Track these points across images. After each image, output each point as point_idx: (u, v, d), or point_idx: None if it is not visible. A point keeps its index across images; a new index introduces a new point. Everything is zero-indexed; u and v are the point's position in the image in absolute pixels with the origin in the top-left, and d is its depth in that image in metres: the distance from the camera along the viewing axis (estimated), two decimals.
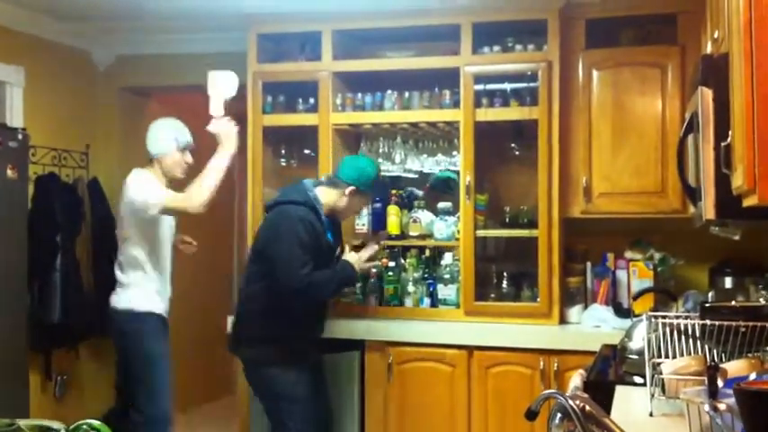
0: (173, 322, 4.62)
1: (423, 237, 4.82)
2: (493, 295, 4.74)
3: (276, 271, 4.00)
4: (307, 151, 5.16)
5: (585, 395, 1.85)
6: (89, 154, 5.73)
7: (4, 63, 5.07)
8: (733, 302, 3.09)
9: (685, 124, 3.12)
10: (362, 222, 4.83)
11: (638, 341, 3.13)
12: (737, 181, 2.25)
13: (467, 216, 4.62)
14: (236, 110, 4.40)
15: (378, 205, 4.82)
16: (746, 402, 1.82)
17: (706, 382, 2.03)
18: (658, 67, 4.48)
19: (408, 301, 4.80)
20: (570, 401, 1.77)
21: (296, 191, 4.15)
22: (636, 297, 3.93)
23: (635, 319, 3.40)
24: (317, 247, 4.04)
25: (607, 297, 4.65)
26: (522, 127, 4.76)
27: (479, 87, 4.66)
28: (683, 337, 2.67)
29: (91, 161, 5.73)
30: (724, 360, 2.53)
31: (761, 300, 3.68)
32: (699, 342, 2.65)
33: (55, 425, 2.18)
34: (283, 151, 5.18)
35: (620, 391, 2.89)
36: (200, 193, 4.20)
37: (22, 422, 2.18)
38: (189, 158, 4.49)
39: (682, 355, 2.62)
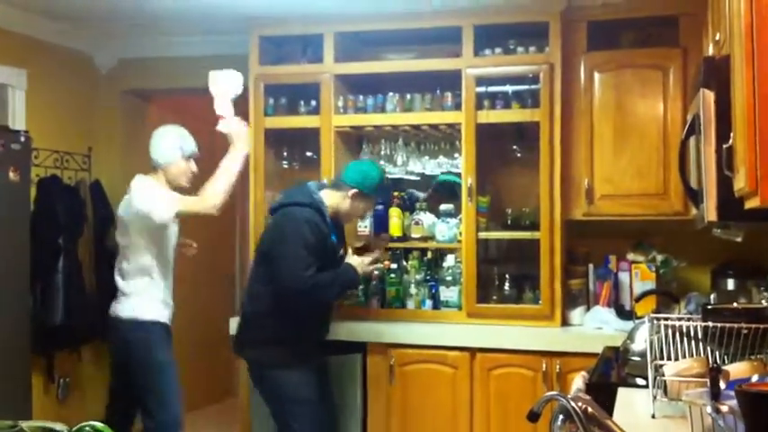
0: (174, 324, 4.62)
1: (425, 239, 4.82)
2: (495, 297, 4.74)
3: (279, 272, 4.00)
4: (308, 153, 5.17)
5: (588, 397, 1.85)
6: (91, 156, 5.74)
7: (7, 66, 5.08)
8: (735, 304, 3.09)
9: (687, 126, 3.12)
10: (365, 225, 4.82)
11: (641, 343, 3.13)
12: (739, 183, 2.25)
13: (469, 218, 4.63)
14: (238, 112, 4.39)
15: (380, 208, 4.82)
16: (748, 404, 1.82)
17: (708, 383, 2.04)
18: (660, 70, 4.48)
19: (410, 303, 4.81)
20: (572, 403, 1.77)
21: (301, 193, 4.16)
22: (638, 299, 3.94)
23: (637, 321, 3.40)
24: (321, 248, 4.04)
25: (609, 299, 4.65)
26: (523, 129, 4.76)
27: (481, 89, 4.66)
28: (685, 339, 2.67)
29: (93, 163, 5.74)
30: (726, 362, 2.53)
31: (763, 302, 3.68)
32: (701, 344, 2.65)
33: (57, 426, 2.19)
34: (285, 153, 5.19)
35: (623, 393, 2.89)
36: (213, 195, 4.15)
37: (24, 424, 2.18)
38: (194, 167, 4.40)
39: (684, 356, 2.63)
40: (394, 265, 4.87)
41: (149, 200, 4.21)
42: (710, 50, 3.42)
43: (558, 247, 4.53)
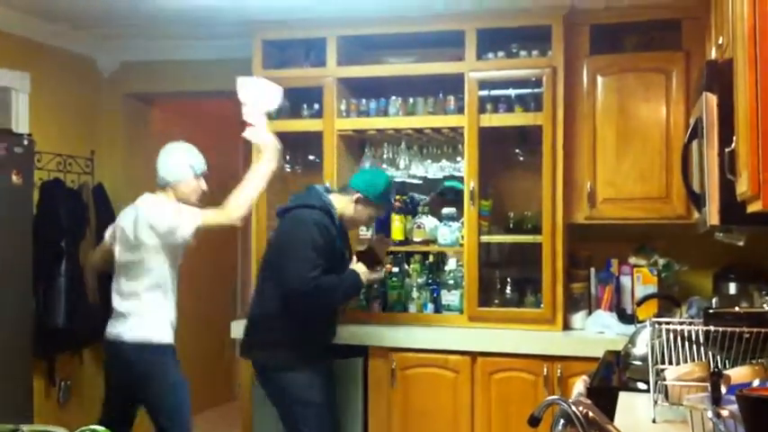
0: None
1: (426, 242, 4.82)
2: (496, 301, 4.74)
3: (285, 272, 4.00)
4: (311, 157, 5.17)
5: (589, 401, 1.85)
6: (94, 160, 5.75)
7: (10, 69, 5.09)
8: (737, 308, 3.09)
9: (690, 130, 3.12)
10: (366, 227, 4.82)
11: (642, 347, 3.13)
12: (742, 187, 2.25)
13: (471, 222, 4.62)
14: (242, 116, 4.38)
15: None
16: (749, 409, 1.82)
17: (709, 388, 2.03)
18: (663, 73, 4.49)
19: (412, 307, 4.81)
20: (573, 408, 1.77)
21: (310, 195, 4.17)
22: (640, 303, 3.94)
23: (639, 326, 3.40)
24: (329, 250, 4.04)
25: (611, 303, 4.64)
26: (526, 132, 4.77)
27: (484, 93, 4.66)
28: (686, 344, 2.67)
29: (96, 167, 5.75)
30: (727, 366, 2.52)
31: (765, 306, 3.67)
32: (702, 348, 2.65)
33: (58, 431, 2.19)
34: (288, 157, 5.17)
35: (624, 398, 2.89)
36: (237, 207, 4.06)
37: (25, 428, 2.19)
38: (204, 185, 4.28)
39: (685, 361, 2.62)
40: (395, 269, 4.87)
41: (172, 216, 4.09)
42: (713, 54, 3.43)
43: (560, 250, 4.53)
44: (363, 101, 4.86)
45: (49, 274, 5.11)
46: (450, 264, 4.80)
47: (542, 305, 4.56)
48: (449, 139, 4.86)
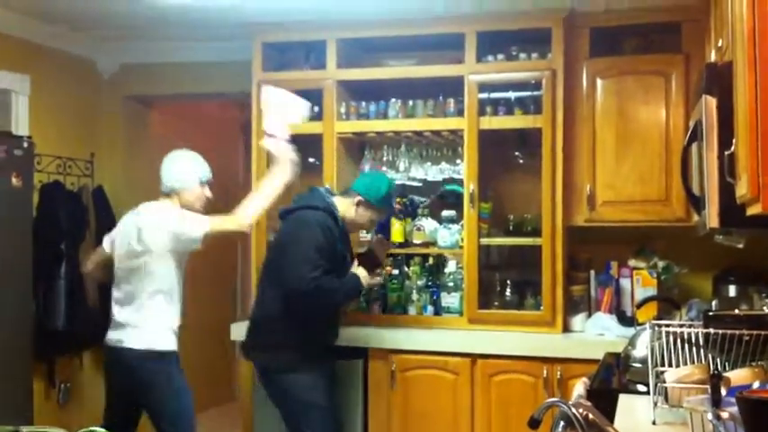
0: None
1: (426, 245, 4.82)
2: (496, 303, 4.74)
3: (286, 272, 3.99)
4: (311, 159, 5.16)
5: (589, 403, 1.85)
6: (94, 162, 5.75)
7: (10, 71, 5.10)
8: (736, 311, 3.09)
9: (689, 133, 3.12)
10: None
11: (642, 349, 3.13)
12: (741, 189, 2.25)
13: (470, 224, 4.63)
14: (242, 118, 4.39)
15: None
16: (749, 411, 1.82)
17: (709, 390, 2.03)
18: (662, 76, 4.49)
19: (412, 309, 4.81)
20: (573, 410, 1.77)
21: (313, 197, 4.18)
22: (639, 305, 3.93)
23: (638, 328, 3.40)
24: (331, 252, 4.05)
25: (611, 305, 4.64)
26: (525, 135, 4.77)
27: (483, 96, 4.66)
28: (686, 346, 2.67)
29: (95, 169, 5.76)
30: (727, 368, 2.53)
31: (765, 308, 3.67)
32: (702, 350, 2.65)
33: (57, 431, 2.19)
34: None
35: (624, 400, 2.89)
36: (247, 215, 4.06)
37: (25, 429, 2.19)
38: (209, 193, 4.27)
39: (685, 363, 2.62)
40: (395, 271, 4.88)
41: (181, 222, 4.07)
42: (713, 57, 3.43)
43: (560, 253, 4.54)
44: (363, 103, 4.87)
45: (48, 276, 5.12)
46: (450, 266, 4.80)
47: (542, 307, 4.56)
48: (448, 141, 4.87)
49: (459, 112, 4.68)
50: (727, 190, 2.48)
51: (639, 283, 4.59)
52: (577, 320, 4.65)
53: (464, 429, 4.47)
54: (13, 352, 4.59)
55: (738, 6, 2.34)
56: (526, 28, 4.61)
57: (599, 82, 4.57)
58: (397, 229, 4.83)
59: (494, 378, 4.45)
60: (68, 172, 5.51)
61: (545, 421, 1.94)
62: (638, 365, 3.15)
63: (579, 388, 3.13)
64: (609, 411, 2.61)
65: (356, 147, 5.09)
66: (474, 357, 4.47)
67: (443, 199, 4.94)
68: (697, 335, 2.65)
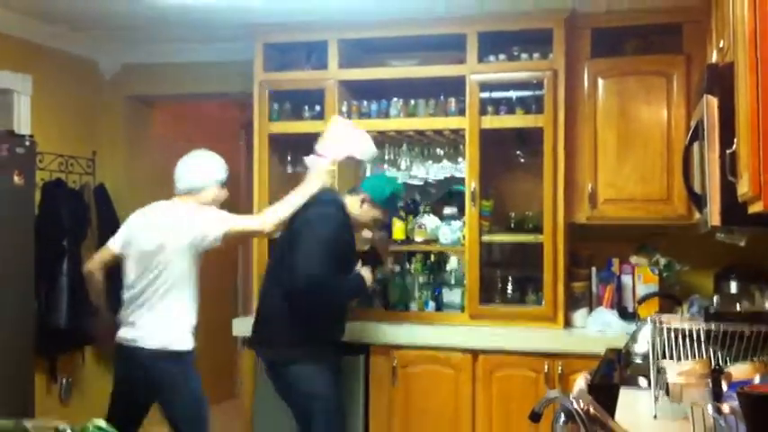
0: None
1: (428, 242, 4.84)
2: (498, 299, 4.76)
3: (295, 267, 3.98)
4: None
5: (589, 397, 1.87)
6: (95, 160, 5.77)
7: (12, 71, 5.11)
8: (737, 307, 3.11)
9: (691, 132, 3.14)
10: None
11: (643, 344, 3.14)
12: (743, 188, 2.27)
13: (472, 221, 4.64)
14: (243, 117, 4.39)
15: None
16: (750, 406, 1.84)
17: (710, 385, 2.05)
18: (663, 76, 4.51)
19: (413, 305, 4.83)
20: (574, 404, 1.78)
21: (324, 194, 4.19)
22: (641, 301, 3.95)
23: (640, 323, 3.42)
24: (342, 247, 4.09)
25: (612, 302, 4.66)
26: (526, 134, 4.79)
27: (485, 95, 4.68)
28: (687, 341, 2.69)
29: (97, 168, 5.77)
30: (728, 364, 2.55)
31: (766, 305, 3.70)
32: (703, 346, 2.67)
33: (61, 425, 2.21)
34: (289, 158, 5.20)
35: (625, 394, 2.90)
36: (273, 217, 4.12)
37: (27, 423, 2.21)
38: (226, 193, 4.26)
39: (686, 358, 2.64)
40: (397, 268, 4.90)
41: (203, 221, 4.04)
42: (714, 57, 3.45)
43: (562, 249, 4.55)
44: (365, 103, 4.88)
45: (50, 273, 5.13)
46: (452, 263, 4.83)
47: (543, 303, 4.58)
48: (450, 140, 4.88)
49: (461, 112, 4.69)
50: (728, 188, 2.50)
51: (641, 279, 4.61)
52: (579, 316, 4.67)
53: (465, 424, 4.49)
54: (15, 349, 4.59)
55: (739, 8, 2.36)
56: (527, 28, 4.63)
57: (600, 82, 4.59)
58: (398, 227, 4.85)
59: (495, 373, 4.47)
60: (70, 170, 5.53)
61: (546, 416, 1.95)
62: (640, 361, 3.17)
63: (580, 382, 3.15)
64: (610, 406, 2.63)
65: None
66: (475, 353, 4.50)
67: (451, 198, 4.95)
68: (698, 331, 2.67)
